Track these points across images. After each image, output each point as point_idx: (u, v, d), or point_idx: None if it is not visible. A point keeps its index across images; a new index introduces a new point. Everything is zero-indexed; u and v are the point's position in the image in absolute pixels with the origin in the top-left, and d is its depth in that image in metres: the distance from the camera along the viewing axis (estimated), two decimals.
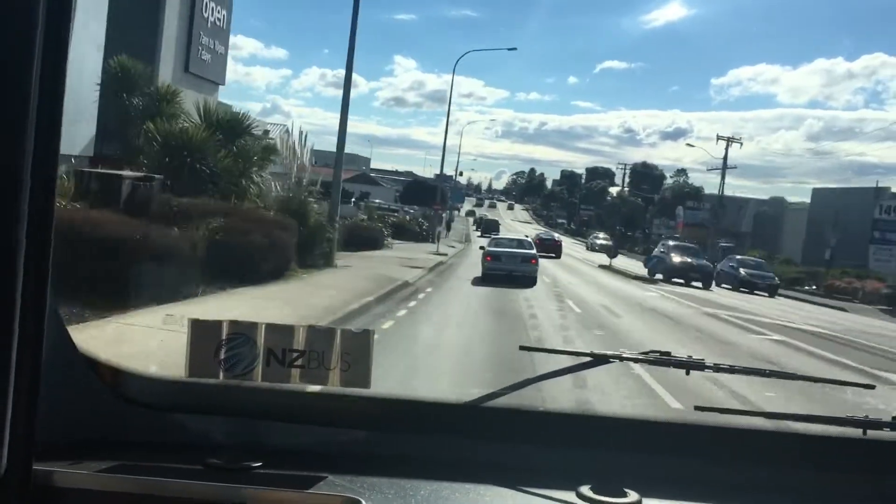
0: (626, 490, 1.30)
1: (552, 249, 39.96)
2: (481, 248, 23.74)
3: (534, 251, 22.84)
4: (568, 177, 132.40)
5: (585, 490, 1.29)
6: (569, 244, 58.50)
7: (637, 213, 77.15)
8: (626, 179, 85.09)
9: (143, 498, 1.21)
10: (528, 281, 20.68)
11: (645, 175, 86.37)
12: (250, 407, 1.45)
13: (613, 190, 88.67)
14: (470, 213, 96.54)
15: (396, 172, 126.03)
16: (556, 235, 50.45)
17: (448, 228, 42.73)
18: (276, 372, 1.36)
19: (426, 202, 45.75)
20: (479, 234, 48.73)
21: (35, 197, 0.98)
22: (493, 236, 29.59)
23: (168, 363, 1.73)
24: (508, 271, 20.69)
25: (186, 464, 1.28)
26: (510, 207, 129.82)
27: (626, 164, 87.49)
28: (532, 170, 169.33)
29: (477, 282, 19.54)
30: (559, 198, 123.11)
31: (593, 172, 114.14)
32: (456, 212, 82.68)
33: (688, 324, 14.70)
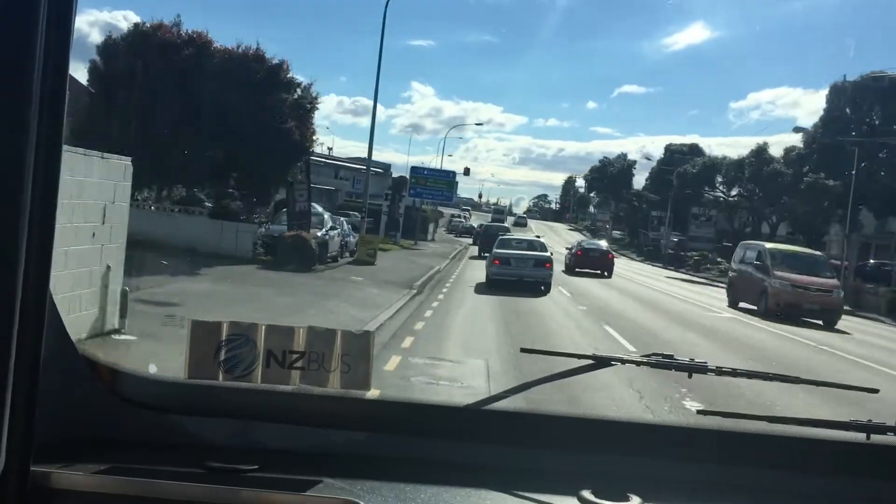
0: (629, 494, 1.28)
1: (600, 265, 28.47)
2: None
3: (548, 254, 19.22)
4: (687, 151, 55.17)
5: (587, 494, 1.28)
6: None
7: None
8: None
9: (139, 500, 1.21)
10: (542, 288, 17.51)
11: None
12: (248, 408, 1.44)
13: None
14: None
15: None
16: (605, 244, 33.23)
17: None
18: (276, 373, 1.36)
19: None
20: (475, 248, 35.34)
21: (36, 197, 0.99)
22: (501, 236, 23.56)
23: None
24: (519, 276, 17.54)
25: (184, 466, 1.28)
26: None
27: None
28: (605, 158, 78.57)
29: None
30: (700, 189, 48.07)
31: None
32: (438, 222, 54.56)
33: None
